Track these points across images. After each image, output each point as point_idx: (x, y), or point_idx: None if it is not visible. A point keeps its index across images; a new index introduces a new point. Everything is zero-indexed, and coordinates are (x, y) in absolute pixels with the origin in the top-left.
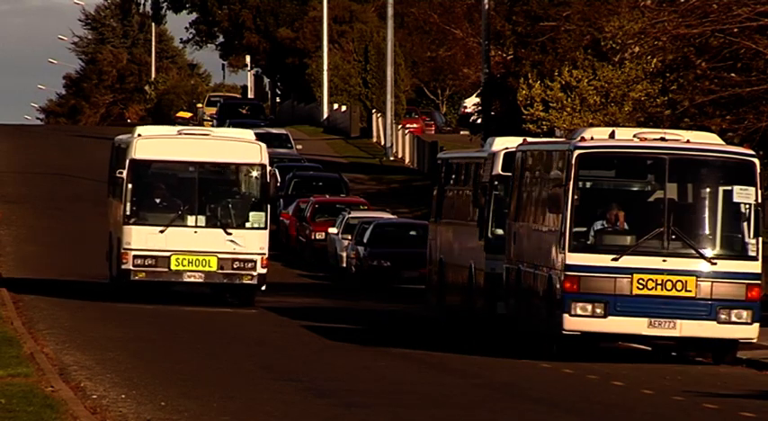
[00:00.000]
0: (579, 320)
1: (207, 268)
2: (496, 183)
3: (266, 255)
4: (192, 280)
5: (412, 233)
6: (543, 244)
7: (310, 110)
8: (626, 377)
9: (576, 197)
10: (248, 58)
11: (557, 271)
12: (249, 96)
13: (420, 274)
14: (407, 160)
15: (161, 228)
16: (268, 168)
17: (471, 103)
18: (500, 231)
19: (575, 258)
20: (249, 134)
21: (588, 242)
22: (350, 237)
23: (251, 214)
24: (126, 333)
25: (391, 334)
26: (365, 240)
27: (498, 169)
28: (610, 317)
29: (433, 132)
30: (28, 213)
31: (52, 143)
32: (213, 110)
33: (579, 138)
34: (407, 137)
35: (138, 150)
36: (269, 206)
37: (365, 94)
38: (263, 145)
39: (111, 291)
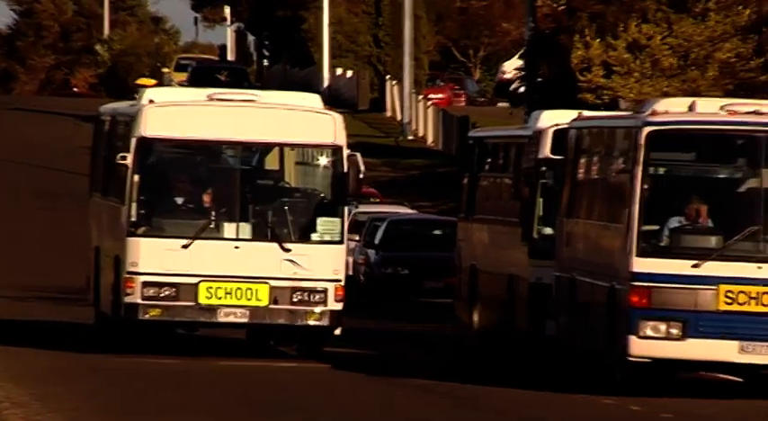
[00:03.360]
0: (650, 344)
1: (254, 302)
2: (544, 168)
3: (342, 283)
4: (232, 320)
5: (436, 233)
6: (604, 246)
7: (306, 76)
8: (711, 418)
9: (645, 186)
10: (227, 11)
11: (621, 281)
12: (229, 58)
13: (446, 285)
14: (430, 140)
15: (184, 242)
16: (345, 151)
17: (512, 67)
18: (549, 230)
19: (644, 265)
20: (315, 99)
21: (661, 244)
22: (357, 238)
23: (321, 221)
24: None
25: (410, 361)
26: (377, 242)
27: (546, 151)
28: (689, 340)
29: (463, 104)
30: None
31: None
32: (183, 76)
33: (650, 112)
34: (430, 110)
35: (151, 124)
36: (346, 209)
37: (377, 55)
38: (338, 116)
39: (101, 337)
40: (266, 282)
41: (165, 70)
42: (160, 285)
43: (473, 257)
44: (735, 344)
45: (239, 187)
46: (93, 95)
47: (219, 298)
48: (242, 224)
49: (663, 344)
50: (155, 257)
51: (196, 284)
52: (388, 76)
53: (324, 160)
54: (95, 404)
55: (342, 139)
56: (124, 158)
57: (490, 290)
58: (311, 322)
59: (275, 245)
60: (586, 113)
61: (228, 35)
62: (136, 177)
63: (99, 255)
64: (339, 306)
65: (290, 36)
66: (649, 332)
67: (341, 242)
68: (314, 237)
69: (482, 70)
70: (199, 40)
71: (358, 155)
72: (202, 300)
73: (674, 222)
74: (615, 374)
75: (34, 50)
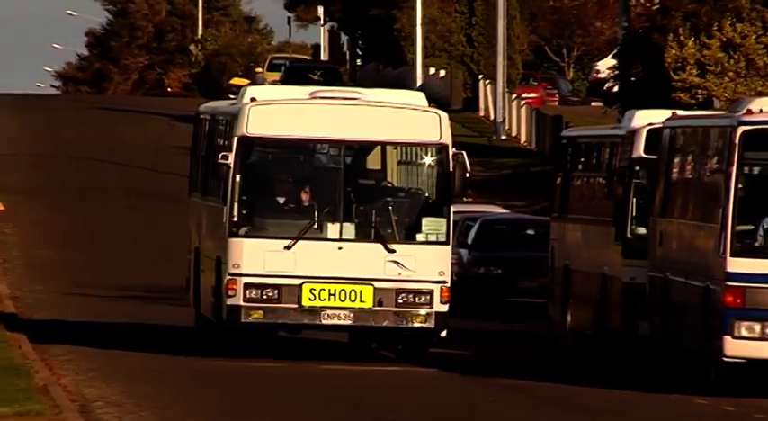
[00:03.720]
0: (744, 344)
1: (358, 304)
2: (638, 168)
3: (448, 284)
4: (335, 322)
5: (529, 232)
6: (698, 246)
7: (399, 75)
8: None
9: (740, 186)
10: (321, 10)
11: (715, 280)
12: (322, 58)
13: (539, 285)
14: (523, 139)
15: (287, 243)
16: (451, 150)
17: (605, 66)
18: (642, 230)
19: (738, 265)
20: (419, 97)
21: (756, 244)
22: None
23: (426, 221)
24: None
25: (502, 360)
26: (469, 242)
27: (640, 151)
28: None
29: (556, 104)
30: (39, 207)
31: (70, 118)
32: (276, 75)
33: (744, 111)
34: (524, 109)
35: (253, 123)
36: (452, 209)
37: (470, 55)
38: (444, 114)
39: (202, 340)
40: (370, 284)
41: (258, 70)
42: (263, 287)
43: (566, 257)
44: None
45: (342, 186)
46: (187, 95)
47: (323, 299)
48: (345, 224)
49: (757, 344)
50: (257, 258)
51: (299, 286)
52: (481, 76)
53: (429, 159)
54: (188, 404)
55: (447, 138)
56: (226, 158)
57: (583, 289)
58: (416, 324)
59: (379, 245)
60: (680, 113)
61: (322, 35)
62: (237, 177)
63: (199, 256)
64: (445, 308)
65: (383, 35)
66: (744, 332)
67: (447, 243)
68: (419, 237)
69: (575, 69)
70: (292, 39)
71: (464, 154)
72: (305, 301)
73: None
74: (709, 374)
75: (128, 50)
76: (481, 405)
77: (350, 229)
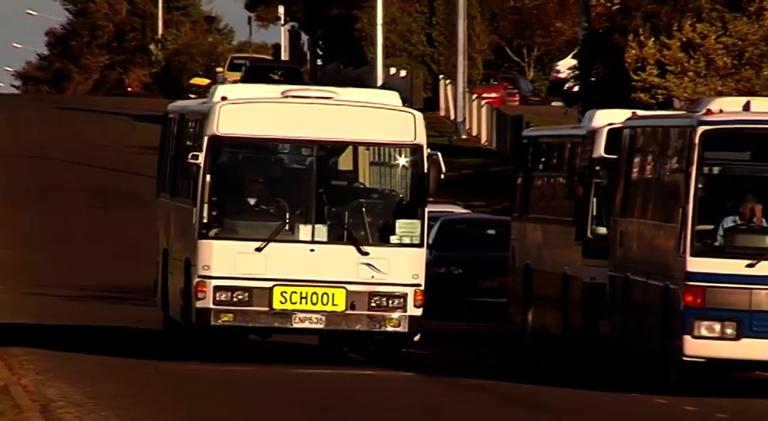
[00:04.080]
0: (704, 343)
1: (330, 307)
2: (598, 168)
3: (422, 287)
4: (307, 326)
5: (490, 232)
6: (658, 246)
7: (360, 75)
8: (765, 417)
9: (699, 186)
10: (281, 10)
11: (675, 280)
12: (283, 58)
13: (500, 285)
14: (484, 139)
15: (258, 245)
16: (426, 150)
17: (566, 66)
18: (603, 230)
19: (698, 264)
20: (393, 97)
21: (716, 243)
22: None
23: (399, 223)
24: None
25: (463, 360)
26: (430, 241)
27: (601, 151)
28: (744, 340)
29: (517, 104)
30: (0, 207)
31: (31, 118)
32: (237, 75)
33: (704, 111)
34: (484, 109)
35: (224, 122)
36: (426, 210)
37: (430, 54)
38: (419, 114)
39: (171, 342)
40: (343, 287)
41: (219, 70)
42: (233, 289)
43: (527, 257)
44: None
45: (314, 187)
46: (147, 95)
47: (294, 303)
48: (317, 226)
49: (717, 343)
50: (227, 260)
51: (270, 289)
52: (441, 76)
53: (403, 160)
54: (150, 405)
55: (422, 138)
56: (196, 158)
57: (544, 289)
58: (389, 328)
59: (352, 247)
60: (640, 113)
61: (282, 34)
62: (208, 177)
63: (167, 258)
64: (419, 311)
65: (344, 35)
66: (704, 332)
67: (421, 245)
68: (393, 239)
69: (536, 69)
70: (252, 39)
71: (439, 154)
72: (276, 304)
73: (729, 222)
74: (669, 374)
75: (88, 50)
76: (445, 405)
77: (322, 231)
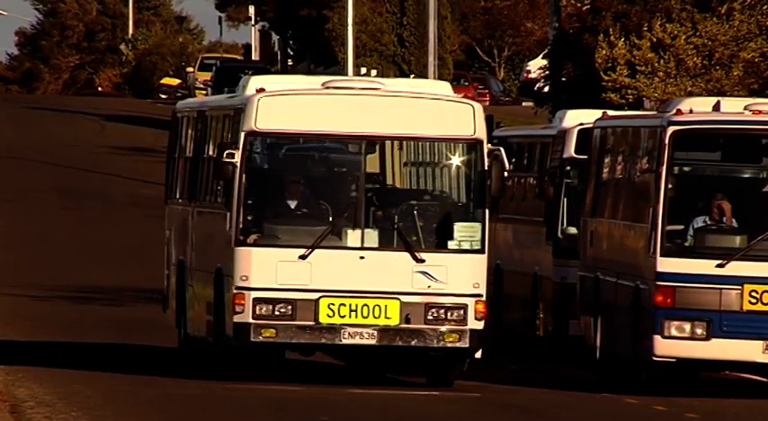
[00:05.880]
0: (674, 343)
1: (382, 320)
2: (569, 168)
3: (483, 298)
4: (357, 341)
5: None
6: (628, 246)
7: (331, 74)
8: (735, 417)
9: (669, 186)
10: (252, 10)
11: (646, 280)
12: (254, 58)
13: None
14: None
15: (302, 252)
16: (486, 146)
17: (536, 66)
18: (573, 230)
19: (668, 264)
20: (445, 87)
21: (686, 243)
22: None
23: (458, 226)
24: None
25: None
26: None
27: (571, 151)
28: (714, 340)
29: (487, 104)
30: None
31: (0, 117)
32: (207, 75)
33: (674, 111)
34: None
35: (263, 116)
36: (487, 212)
37: (401, 54)
38: (478, 106)
39: (189, 362)
40: (396, 298)
41: (190, 69)
42: (274, 302)
43: (498, 257)
44: (759, 343)
45: (363, 188)
46: (118, 95)
47: (343, 316)
48: (367, 230)
49: (687, 343)
50: (268, 270)
51: (316, 300)
52: (412, 75)
53: (461, 156)
54: (122, 406)
55: (482, 132)
56: (231, 156)
57: (514, 289)
58: (448, 344)
59: (406, 254)
60: (611, 113)
61: (253, 34)
62: (244, 178)
63: (184, 269)
64: (480, 324)
65: (315, 35)
66: (674, 332)
67: (482, 251)
68: (451, 244)
69: (506, 70)
70: (223, 39)
71: (501, 150)
72: (323, 318)
73: (699, 222)
74: (639, 374)
75: (59, 50)
76: (414, 404)
77: (372, 236)
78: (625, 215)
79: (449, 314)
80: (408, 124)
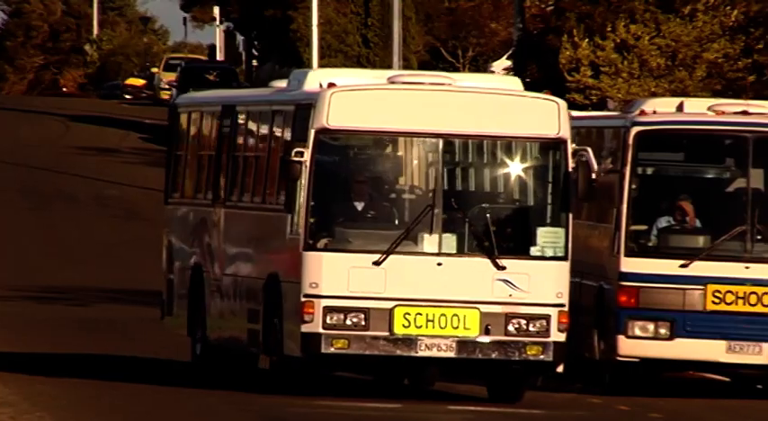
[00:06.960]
0: (638, 343)
1: (461, 331)
2: None
3: (566, 308)
4: (435, 354)
5: None
6: (592, 246)
7: None
8: (698, 417)
9: (633, 186)
10: (217, 11)
11: (609, 280)
12: (218, 58)
13: None
14: None
15: (376, 258)
16: (571, 146)
17: (500, 66)
18: None
19: (632, 265)
20: (516, 82)
21: (649, 244)
22: None
23: (541, 232)
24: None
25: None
26: None
27: None
28: (677, 340)
29: None
30: None
31: None
32: (172, 75)
33: (638, 112)
34: None
35: (335, 112)
36: (571, 217)
37: (365, 55)
38: (563, 103)
39: (208, 375)
40: (476, 307)
41: (155, 70)
42: (346, 310)
43: None
44: (722, 343)
45: (441, 190)
46: (82, 95)
47: (419, 326)
48: (445, 235)
49: (651, 343)
50: (340, 276)
51: (390, 309)
52: None
53: (545, 157)
54: (87, 405)
55: (566, 131)
56: (300, 155)
57: None
58: (530, 356)
59: (486, 261)
60: (575, 113)
61: (218, 35)
62: (312, 179)
63: (201, 273)
64: (563, 336)
65: (279, 36)
66: (637, 332)
67: (565, 258)
68: (533, 251)
69: (471, 70)
70: (188, 39)
71: (588, 150)
72: (398, 329)
73: (663, 222)
74: (603, 374)
75: (23, 50)
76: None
77: (451, 241)
78: (589, 215)
79: (531, 325)
80: (488, 122)
